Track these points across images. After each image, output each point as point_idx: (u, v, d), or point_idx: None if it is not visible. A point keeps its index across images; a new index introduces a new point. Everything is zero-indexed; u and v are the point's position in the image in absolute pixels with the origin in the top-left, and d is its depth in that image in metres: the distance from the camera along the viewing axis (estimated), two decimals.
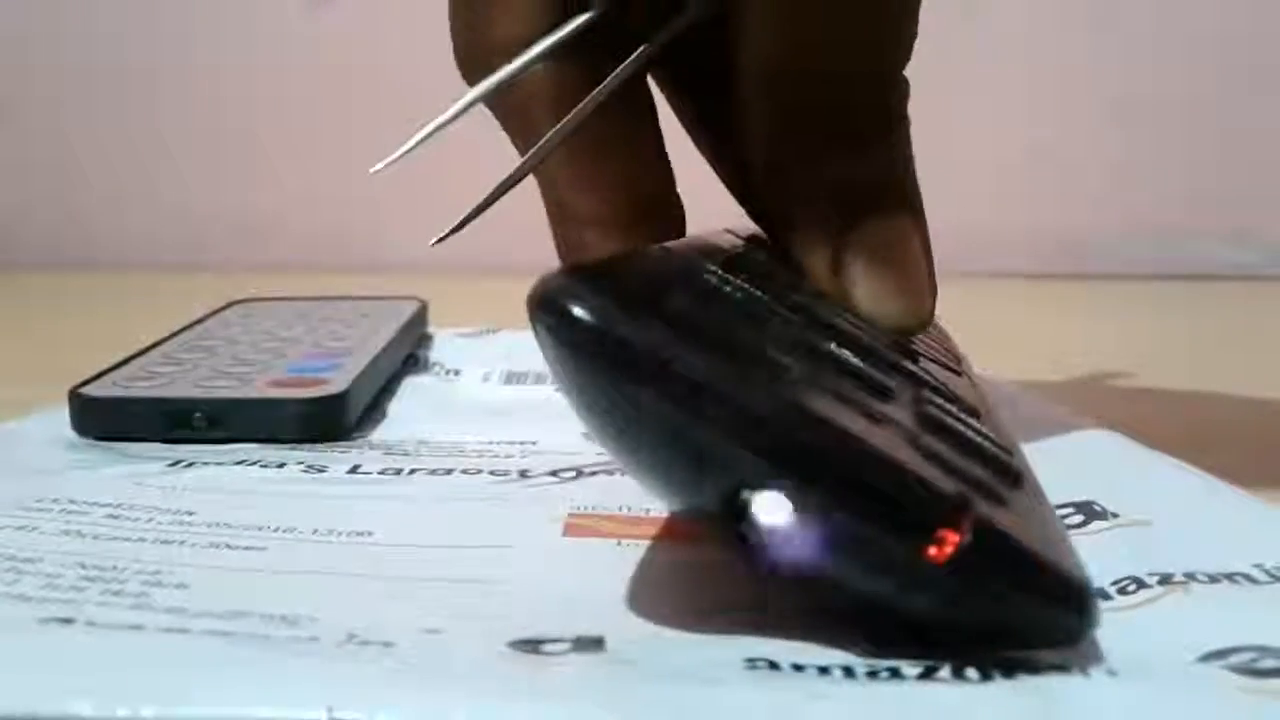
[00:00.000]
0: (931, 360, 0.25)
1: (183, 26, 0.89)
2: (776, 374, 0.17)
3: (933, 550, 0.16)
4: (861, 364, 0.20)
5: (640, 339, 0.16)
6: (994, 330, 0.47)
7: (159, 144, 0.90)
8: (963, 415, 0.21)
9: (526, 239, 0.92)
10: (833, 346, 0.20)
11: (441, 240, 0.24)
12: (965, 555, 0.16)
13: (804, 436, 0.16)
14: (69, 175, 0.90)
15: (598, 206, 0.27)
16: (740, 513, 0.16)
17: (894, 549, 0.16)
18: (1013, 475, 0.19)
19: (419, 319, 0.44)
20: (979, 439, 0.20)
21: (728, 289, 0.20)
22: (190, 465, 0.29)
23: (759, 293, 0.21)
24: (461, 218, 0.24)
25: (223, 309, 0.44)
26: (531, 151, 0.25)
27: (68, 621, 0.17)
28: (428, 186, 0.87)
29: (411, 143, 0.25)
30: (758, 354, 0.18)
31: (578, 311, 0.16)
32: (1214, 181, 0.80)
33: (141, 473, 0.28)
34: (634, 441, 0.17)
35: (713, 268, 0.21)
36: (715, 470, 0.16)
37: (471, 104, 0.25)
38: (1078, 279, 0.77)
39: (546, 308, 0.16)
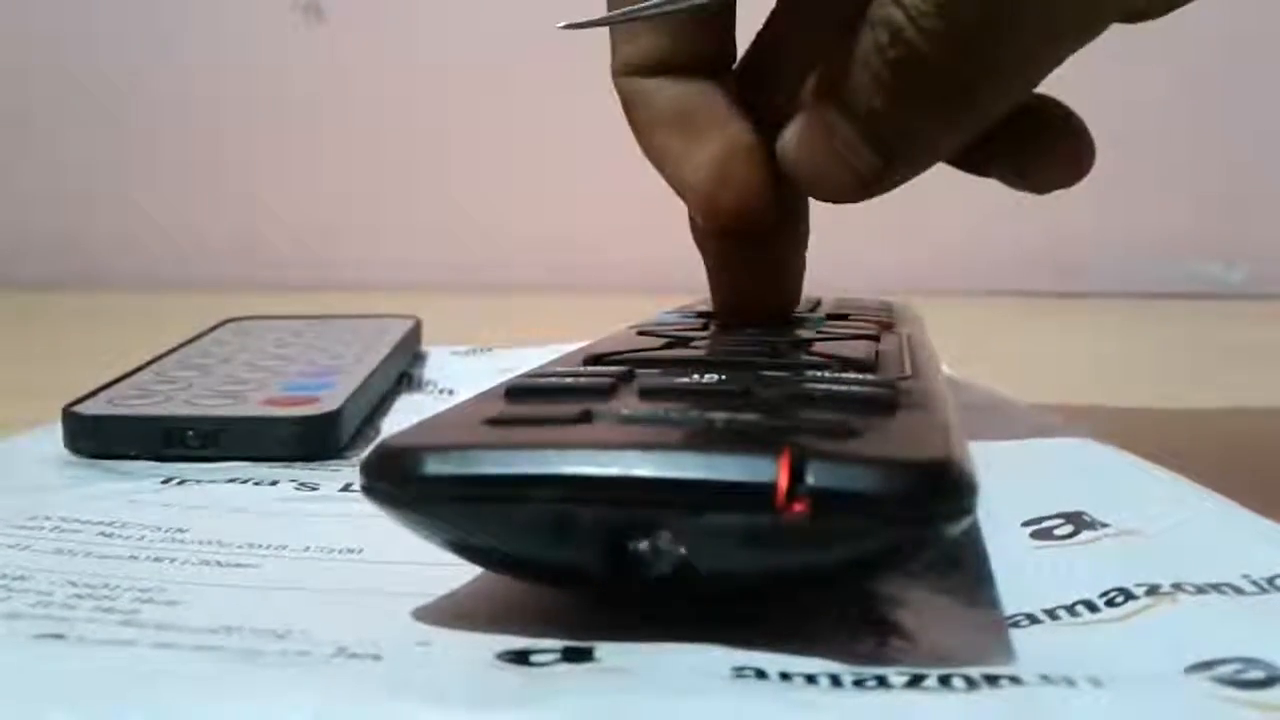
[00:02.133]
0: (833, 340, 0.26)
1: (175, 38, 0.89)
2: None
3: (779, 509, 0.16)
4: (713, 380, 0.21)
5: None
6: (991, 346, 0.47)
7: (153, 165, 0.90)
8: (827, 378, 0.22)
9: (520, 257, 0.92)
10: (684, 379, 0.21)
11: (569, 26, 0.25)
12: (802, 499, 0.16)
13: (617, 466, 0.17)
14: (63, 196, 0.91)
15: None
16: (635, 563, 0.17)
17: (757, 526, 0.16)
18: (881, 405, 0.19)
19: (413, 337, 0.44)
20: (831, 388, 0.20)
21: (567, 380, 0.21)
22: (183, 483, 0.29)
23: (617, 368, 0.22)
24: (595, 19, 0.25)
25: (216, 327, 0.44)
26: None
27: (58, 638, 0.17)
28: (420, 207, 0.88)
29: (610, 16, 0.26)
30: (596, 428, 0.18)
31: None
32: (1207, 204, 0.80)
33: (134, 490, 0.28)
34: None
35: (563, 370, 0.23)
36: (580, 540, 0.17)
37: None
38: (1073, 297, 0.77)
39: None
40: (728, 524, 0.16)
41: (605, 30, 0.27)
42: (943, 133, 0.25)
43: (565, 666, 0.17)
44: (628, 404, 0.19)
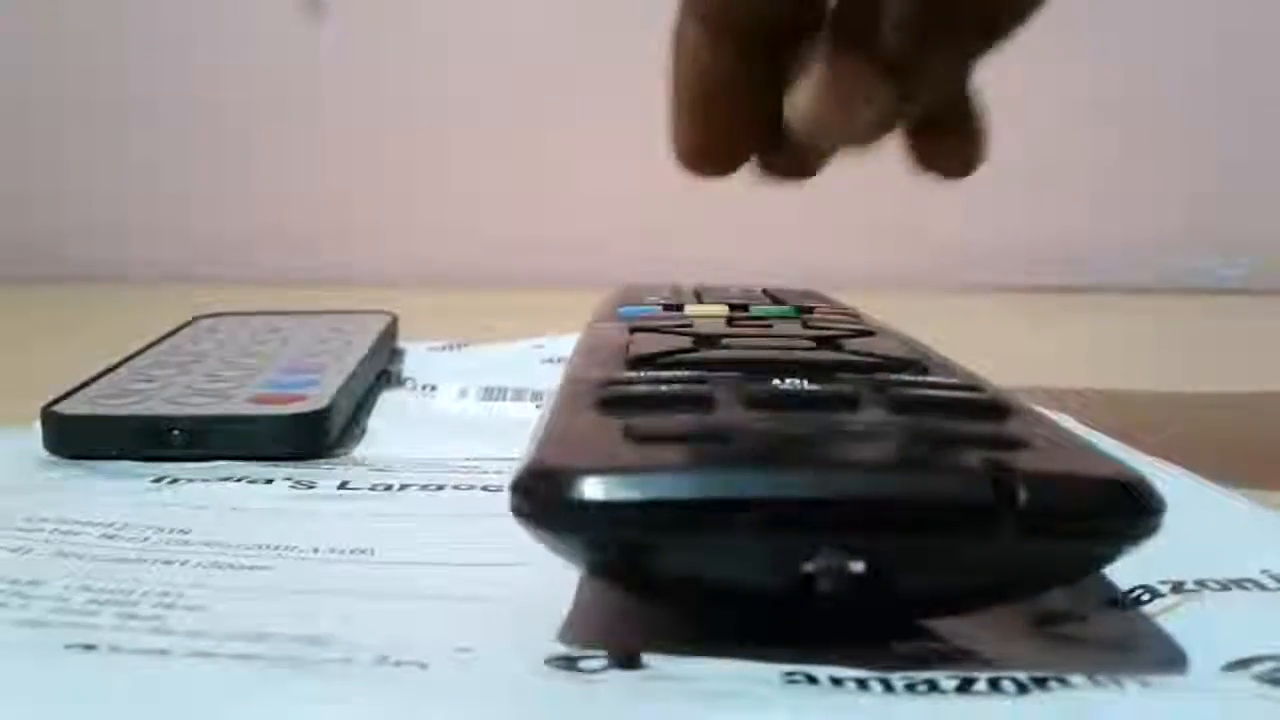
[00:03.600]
0: (854, 336, 0.26)
1: (175, 36, 0.87)
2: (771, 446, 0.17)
3: (997, 527, 0.16)
4: (819, 389, 0.20)
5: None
6: (993, 342, 0.47)
7: (126, 159, 0.88)
8: (926, 380, 0.22)
9: (490, 252, 0.91)
10: (782, 384, 0.21)
11: None
12: (1025, 515, 0.16)
13: (827, 488, 0.16)
14: (33, 189, 0.89)
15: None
16: (805, 589, 0.16)
17: (961, 547, 0.16)
18: (999, 409, 0.20)
19: (390, 333, 0.43)
20: (955, 393, 0.20)
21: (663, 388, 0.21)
22: (174, 482, 0.28)
23: (689, 372, 0.22)
24: None
25: (189, 324, 0.43)
26: None
27: (90, 648, 0.17)
28: (418, 205, 0.87)
29: None
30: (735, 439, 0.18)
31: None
32: (1207, 199, 0.81)
33: (127, 491, 0.27)
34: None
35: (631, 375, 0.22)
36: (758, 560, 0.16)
37: None
38: (1071, 292, 0.78)
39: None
40: (932, 543, 0.16)
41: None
42: (958, 60, 0.26)
43: (614, 673, 0.17)
44: (747, 414, 0.19)
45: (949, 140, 0.29)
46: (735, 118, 0.29)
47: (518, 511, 0.17)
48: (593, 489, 0.16)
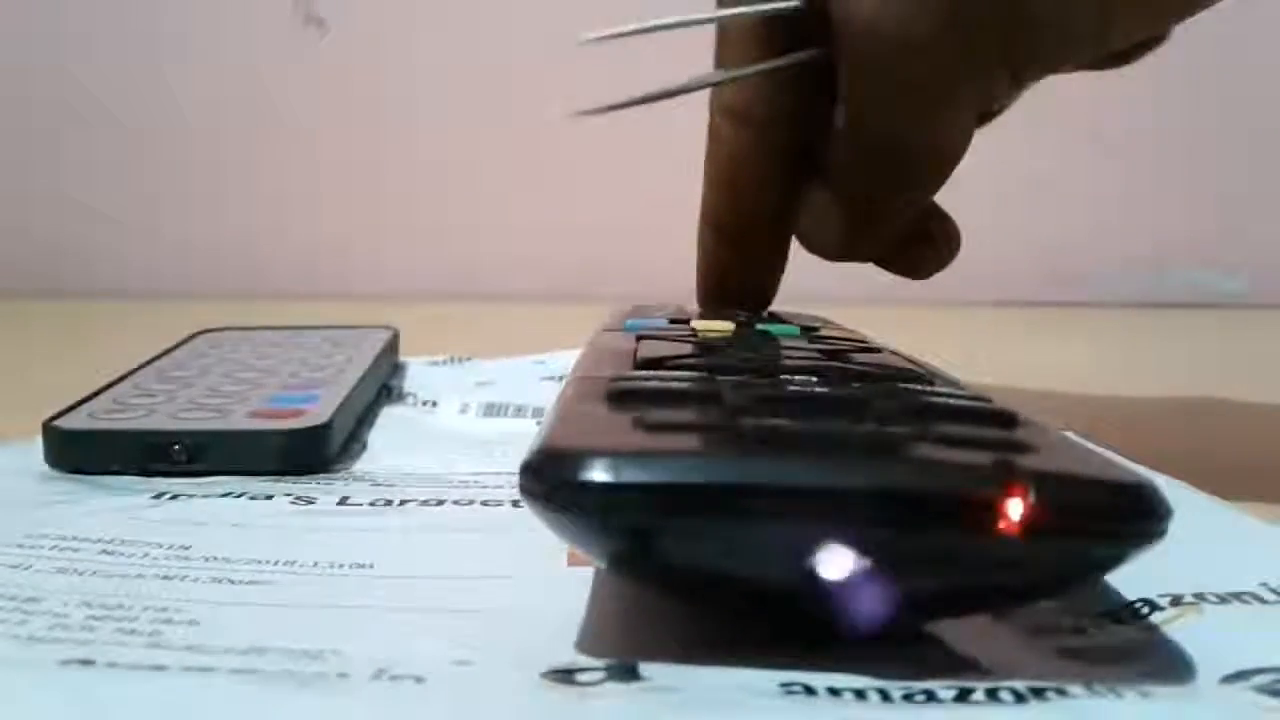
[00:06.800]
0: (859, 351, 0.26)
1: (174, 47, 0.88)
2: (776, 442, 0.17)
3: (1003, 525, 0.16)
4: (827, 391, 0.20)
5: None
6: (990, 357, 0.47)
7: (125, 173, 0.89)
8: (933, 389, 0.22)
9: (490, 266, 0.91)
10: (793, 387, 0.21)
11: (585, 113, 0.27)
12: (1032, 514, 0.16)
13: (835, 478, 0.16)
14: (33, 204, 0.89)
15: (720, 211, 0.32)
16: (810, 582, 0.16)
17: (967, 544, 0.16)
18: (1006, 418, 0.20)
19: (391, 348, 0.43)
20: (962, 402, 0.20)
21: (673, 384, 0.21)
22: (175, 498, 0.28)
23: (698, 373, 0.22)
24: (619, 103, 0.27)
25: (190, 339, 0.43)
26: (690, 80, 0.29)
27: (87, 663, 0.17)
28: (418, 216, 0.87)
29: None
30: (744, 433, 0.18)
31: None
32: (1205, 213, 0.81)
33: (128, 506, 0.27)
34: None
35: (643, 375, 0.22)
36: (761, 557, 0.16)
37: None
38: (1075, 307, 0.78)
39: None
40: (939, 539, 0.16)
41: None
42: (892, 200, 0.29)
43: (612, 685, 0.17)
44: (757, 410, 0.19)
45: (916, 249, 0.31)
46: (757, 198, 0.32)
47: (527, 492, 0.17)
48: (602, 470, 0.16)
